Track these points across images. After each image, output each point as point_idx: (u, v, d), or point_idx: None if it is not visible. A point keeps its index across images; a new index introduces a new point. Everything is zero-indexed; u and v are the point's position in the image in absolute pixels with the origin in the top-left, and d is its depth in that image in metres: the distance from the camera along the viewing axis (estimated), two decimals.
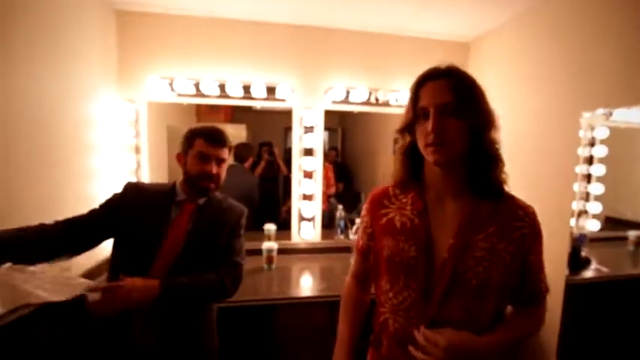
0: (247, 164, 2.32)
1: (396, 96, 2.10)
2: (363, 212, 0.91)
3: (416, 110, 0.75)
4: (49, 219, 1.01)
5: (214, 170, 1.09)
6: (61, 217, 1.04)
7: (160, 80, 1.87)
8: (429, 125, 0.71)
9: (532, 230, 0.76)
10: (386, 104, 2.12)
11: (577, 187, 1.92)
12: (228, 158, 1.16)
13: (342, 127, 2.55)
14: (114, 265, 1.07)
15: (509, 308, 0.83)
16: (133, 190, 1.12)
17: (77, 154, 1.57)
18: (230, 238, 1.17)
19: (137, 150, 1.92)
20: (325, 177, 2.22)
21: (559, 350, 1.49)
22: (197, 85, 1.91)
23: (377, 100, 2.09)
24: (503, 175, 0.77)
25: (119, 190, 1.13)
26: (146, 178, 1.96)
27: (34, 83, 1.28)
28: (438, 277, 0.73)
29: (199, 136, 1.10)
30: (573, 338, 1.49)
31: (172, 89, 1.90)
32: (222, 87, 1.93)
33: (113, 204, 1.09)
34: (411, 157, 0.81)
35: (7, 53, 1.15)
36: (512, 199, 0.79)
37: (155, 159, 2.02)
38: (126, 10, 1.85)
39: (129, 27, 1.88)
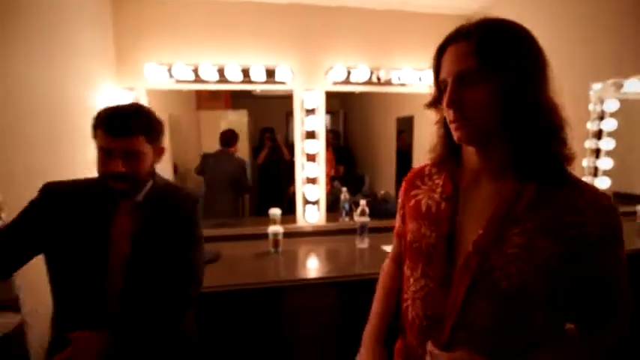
0: (233, 149, 2.34)
1: (398, 74, 2.05)
2: (400, 192, 0.85)
3: (438, 83, 0.65)
4: None
5: (120, 168, 0.87)
6: None
7: (158, 67, 1.85)
8: (447, 96, 0.61)
9: (599, 230, 0.57)
10: (388, 83, 2.07)
11: (585, 162, 1.88)
12: (153, 145, 0.95)
13: (344, 110, 2.52)
14: (58, 305, 0.91)
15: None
16: (54, 192, 0.93)
17: (79, 143, 1.57)
18: (184, 243, 1.00)
19: None
20: (327, 160, 2.21)
21: None
22: (196, 71, 1.88)
23: (379, 79, 2.05)
24: (566, 150, 0.60)
25: (36, 194, 0.94)
26: None
27: (31, 73, 1.28)
28: (459, 272, 0.63)
29: (99, 126, 0.88)
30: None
31: (171, 75, 1.88)
32: (221, 72, 1.90)
33: (32, 215, 0.91)
34: (449, 131, 0.68)
35: (4, 45, 1.14)
36: (576, 185, 0.61)
37: None
38: None
39: (125, 14, 1.84)
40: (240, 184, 2.34)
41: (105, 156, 0.88)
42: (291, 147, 2.20)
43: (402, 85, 2.08)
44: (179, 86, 1.94)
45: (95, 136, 0.90)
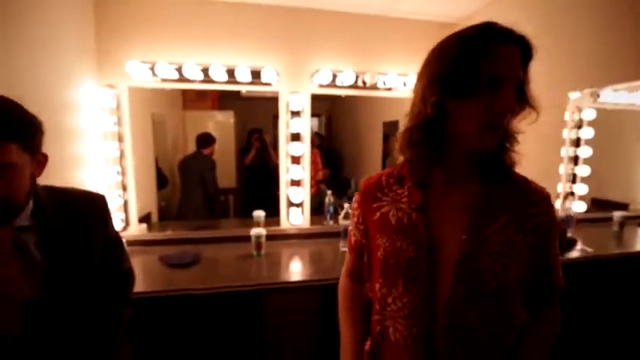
0: (207, 151, 2.33)
1: (383, 79, 2.06)
2: (354, 205, 0.79)
3: (474, 73, 0.56)
4: None
5: None
6: None
7: (141, 65, 1.82)
8: (506, 101, 0.56)
9: (548, 217, 0.65)
10: (374, 87, 2.08)
11: (563, 169, 1.93)
12: (25, 158, 0.70)
13: (329, 113, 2.52)
14: None
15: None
16: None
17: (58, 140, 1.53)
18: (111, 249, 0.88)
19: (120, 138, 1.88)
20: (313, 162, 2.20)
21: None
22: (180, 70, 1.86)
23: (364, 83, 2.06)
24: (517, 156, 0.66)
25: None
26: (130, 167, 1.93)
27: (8, 68, 1.23)
28: (444, 281, 0.62)
29: None
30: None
31: (154, 74, 1.84)
32: (205, 71, 1.88)
33: None
34: (432, 136, 0.63)
35: None
36: (524, 182, 0.68)
37: (141, 147, 1.98)
38: None
39: (107, 10, 1.80)
40: (204, 183, 2.33)
41: None
42: (278, 149, 2.19)
43: (388, 89, 2.10)
44: (163, 85, 1.91)
45: None
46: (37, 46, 1.41)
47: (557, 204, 1.63)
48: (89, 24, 1.78)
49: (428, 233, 0.65)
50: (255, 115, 2.50)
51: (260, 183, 2.50)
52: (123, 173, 1.90)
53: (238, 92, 2.08)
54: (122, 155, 1.89)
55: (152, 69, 1.83)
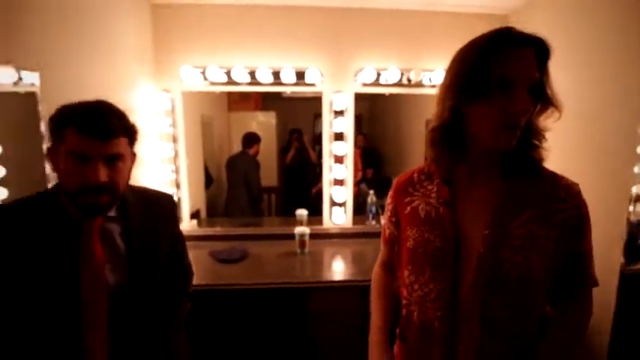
0: (252, 150, 2.40)
1: (429, 76, 2.00)
2: (388, 200, 0.86)
3: (484, 76, 0.59)
4: None
5: (102, 177, 0.70)
6: None
7: (193, 70, 1.92)
8: (519, 102, 0.59)
9: (577, 213, 0.66)
10: (419, 85, 2.03)
11: (638, 169, 1.74)
12: (131, 149, 0.80)
13: (369, 112, 2.49)
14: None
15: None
16: None
17: None
18: (176, 244, 0.95)
19: (174, 139, 2.00)
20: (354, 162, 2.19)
21: (610, 351, 1.32)
22: (228, 73, 1.94)
23: (409, 80, 2.01)
24: (545, 152, 0.68)
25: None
26: (183, 166, 2.04)
27: (79, 72, 1.37)
28: (474, 272, 0.66)
29: (71, 125, 0.69)
30: (628, 337, 1.33)
31: (205, 78, 1.94)
32: (252, 74, 1.94)
33: None
34: (450, 137, 0.67)
35: (60, 42, 1.23)
36: (552, 177, 0.69)
37: (192, 147, 2.10)
38: (160, 4, 1.90)
39: (163, 19, 1.93)
40: (249, 184, 2.40)
41: (79, 162, 0.69)
42: (318, 149, 2.21)
43: (433, 86, 2.03)
44: (212, 88, 2.00)
45: (62, 138, 0.70)
46: (107, 57, 1.55)
47: (630, 208, 1.47)
48: (148, 34, 1.91)
49: (453, 227, 0.69)
50: (296, 115, 2.55)
51: (299, 182, 2.55)
52: (177, 172, 2.03)
53: (279, 93, 2.13)
54: (176, 155, 2.01)
55: (203, 73, 1.92)
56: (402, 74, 1.99)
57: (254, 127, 2.50)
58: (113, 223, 0.81)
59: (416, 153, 2.49)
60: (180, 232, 1.00)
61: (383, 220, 0.93)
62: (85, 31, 1.40)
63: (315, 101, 2.08)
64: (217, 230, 2.15)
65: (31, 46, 1.13)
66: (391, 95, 2.12)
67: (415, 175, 0.80)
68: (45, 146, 1.09)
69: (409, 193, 0.79)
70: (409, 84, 2.03)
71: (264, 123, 2.54)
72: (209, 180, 2.32)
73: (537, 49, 0.61)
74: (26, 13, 1.12)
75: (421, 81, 2.01)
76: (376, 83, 2.02)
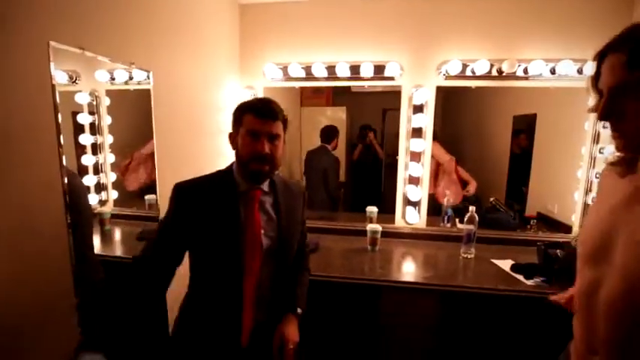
0: (332, 145, 2.38)
1: (525, 66, 1.79)
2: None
3: (597, 89, 0.66)
4: None
5: (267, 149, 0.95)
6: None
7: (275, 67, 2.00)
8: (598, 111, 0.64)
9: None
10: (511, 76, 1.83)
11: None
12: (283, 134, 1.02)
13: (444, 107, 2.33)
14: (196, 286, 1.03)
15: None
16: (185, 192, 0.98)
17: (216, 135, 1.82)
18: (303, 221, 1.20)
19: None
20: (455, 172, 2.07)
21: None
22: (308, 69, 1.98)
23: (499, 72, 1.83)
24: None
25: (170, 196, 1.00)
26: None
27: (179, 72, 1.52)
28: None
29: (249, 111, 0.97)
30: None
31: (285, 74, 2.01)
32: (329, 69, 1.95)
33: (176, 214, 0.98)
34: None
35: (162, 50, 1.38)
36: None
37: None
38: (247, 3, 2.01)
39: (249, 19, 2.05)
40: (326, 180, 2.39)
41: (252, 138, 0.96)
42: (387, 145, 2.12)
43: (526, 78, 1.82)
44: (290, 83, 2.07)
45: (241, 122, 0.98)
46: (203, 58, 1.69)
47: None
48: (236, 33, 2.04)
49: (600, 229, 0.70)
50: (364, 110, 2.49)
51: (367, 178, 2.50)
52: None
53: (349, 88, 2.10)
54: None
55: (284, 70, 1.99)
56: (492, 65, 1.82)
57: (325, 122, 2.52)
58: (266, 196, 1.06)
59: (498, 152, 2.27)
60: (305, 217, 1.20)
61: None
62: (187, 33, 1.55)
63: (385, 95, 2.01)
64: None
65: (146, 48, 1.29)
66: (470, 88, 1.95)
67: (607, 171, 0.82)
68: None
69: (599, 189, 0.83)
70: (499, 75, 1.84)
71: (334, 118, 2.54)
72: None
73: (629, 49, 0.61)
74: (142, 19, 1.27)
75: (514, 73, 1.81)
76: (461, 75, 1.88)
